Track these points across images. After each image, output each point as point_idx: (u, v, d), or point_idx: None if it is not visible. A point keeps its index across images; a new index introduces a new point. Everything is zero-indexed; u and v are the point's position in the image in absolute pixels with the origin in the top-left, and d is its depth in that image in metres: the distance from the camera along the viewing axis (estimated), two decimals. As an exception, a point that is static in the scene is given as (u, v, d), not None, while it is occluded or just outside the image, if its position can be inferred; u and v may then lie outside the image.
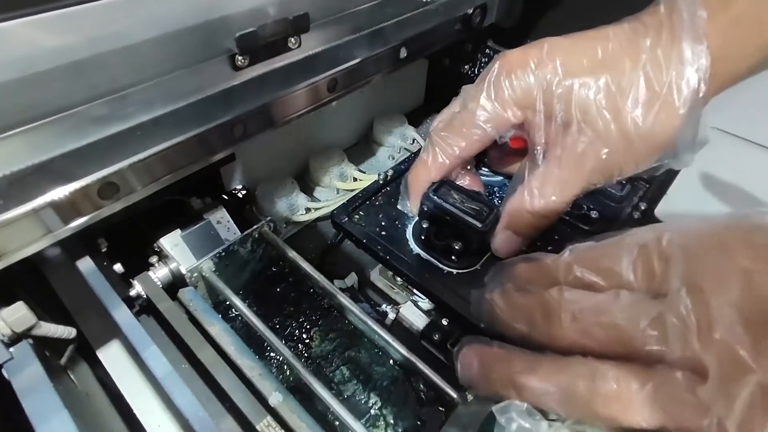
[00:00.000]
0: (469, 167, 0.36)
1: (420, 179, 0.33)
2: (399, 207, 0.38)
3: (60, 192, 0.27)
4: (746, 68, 0.28)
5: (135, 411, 0.32)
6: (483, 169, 0.42)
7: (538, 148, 0.30)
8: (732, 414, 0.16)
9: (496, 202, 0.40)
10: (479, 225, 0.32)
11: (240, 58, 0.31)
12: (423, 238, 0.37)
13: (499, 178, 0.44)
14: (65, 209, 0.28)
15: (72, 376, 0.36)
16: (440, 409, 0.38)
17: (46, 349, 0.33)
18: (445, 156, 0.32)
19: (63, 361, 0.35)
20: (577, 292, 0.21)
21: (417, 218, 0.39)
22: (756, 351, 0.16)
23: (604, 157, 0.28)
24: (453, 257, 0.35)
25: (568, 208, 0.31)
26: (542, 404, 0.21)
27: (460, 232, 0.34)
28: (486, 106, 0.30)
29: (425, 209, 0.34)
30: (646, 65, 0.27)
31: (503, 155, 0.38)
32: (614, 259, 0.20)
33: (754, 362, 0.16)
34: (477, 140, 0.31)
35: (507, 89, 0.30)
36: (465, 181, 0.35)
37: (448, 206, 0.33)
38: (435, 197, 0.33)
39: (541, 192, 0.30)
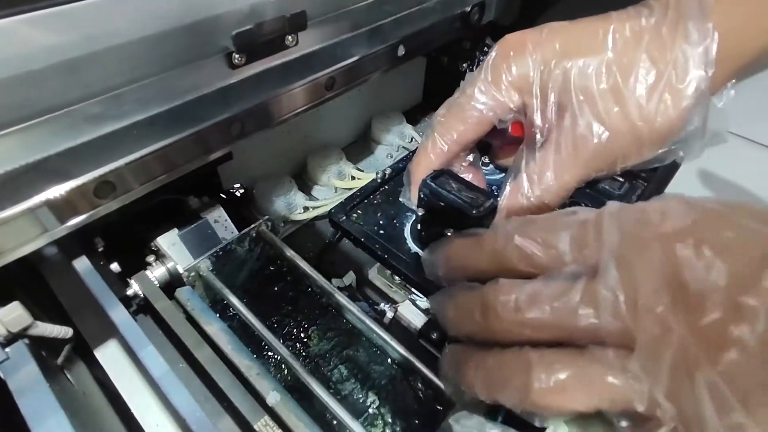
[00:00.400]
0: (471, 159, 0.35)
1: (420, 166, 0.32)
2: (401, 199, 0.37)
3: (56, 191, 0.27)
4: (754, 53, 0.27)
5: (133, 410, 0.32)
6: (488, 166, 0.41)
7: (537, 133, 0.29)
8: (659, 382, 0.17)
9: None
10: (473, 212, 0.31)
11: (237, 56, 0.31)
12: (421, 236, 0.37)
13: (503, 175, 0.43)
14: (61, 208, 0.28)
15: (69, 376, 0.35)
16: (438, 407, 0.38)
17: (43, 349, 0.33)
18: (444, 141, 0.31)
19: (59, 360, 0.35)
20: (510, 282, 0.21)
21: (415, 215, 0.39)
22: (674, 312, 0.17)
23: (604, 140, 0.27)
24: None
25: (568, 197, 0.30)
26: (492, 401, 0.21)
27: (455, 220, 0.33)
28: (483, 89, 0.29)
29: (422, 196, 0.34)
30: (649, 44, 0.26)
31: (505, 144, 0.37)
32: (554, 233, 0.20)
33: (673, 322, 0.17)
34: (475, 124, 0.30)
35: (504, 72, 0.29)
36: (468, 177, 0.35)
37: (443, 192, 0.32)
38: (432, 184, 0.33)
39: (540, 178, 0.29)
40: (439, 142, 0.32)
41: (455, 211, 0.32)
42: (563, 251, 0.20)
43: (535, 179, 0.29)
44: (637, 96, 0.26)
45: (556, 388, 0.19)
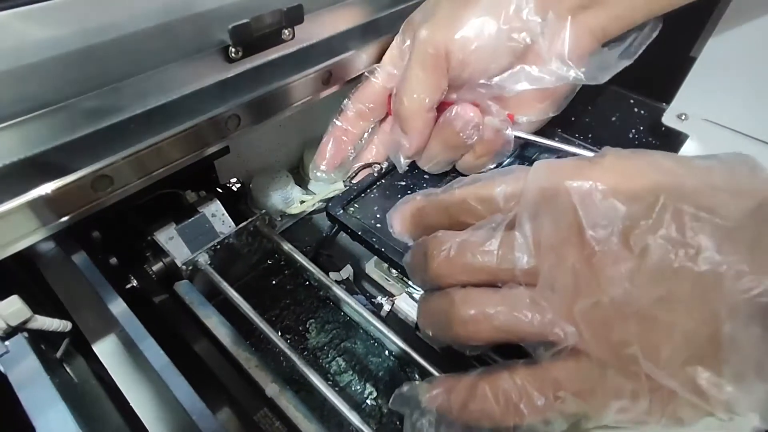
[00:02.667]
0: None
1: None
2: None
3: (53, 185, 0.27)
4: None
5: (131, 403, 0.33)
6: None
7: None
8: (558, 307, 0.20)
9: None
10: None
11: (233, 49, 0.31)
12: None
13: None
14: (58, 203, 0.28)
15: (68, 369, 0.36)
16: (435, 398, 0.39)
17: (42, 343, 0.33)
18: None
19: (59, 354, 0.35)
20: (445, 233, 0.23)
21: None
22: (569, 247, 0.20)
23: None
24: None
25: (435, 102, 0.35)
26: (435, 339, 0.24)
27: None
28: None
29: None
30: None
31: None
32: (491, 188, 0.23)
33: (568, 255, 0.20)
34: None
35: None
36: (467, 109, 0.36)
37: None
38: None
39: (404, 93, 0.35)
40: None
41: None
42: (497, 204, 0.22)
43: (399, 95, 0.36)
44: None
45: (471, 321, 0.22)
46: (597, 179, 0.20)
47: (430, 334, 0.24)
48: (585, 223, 0.19)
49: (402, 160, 0.39)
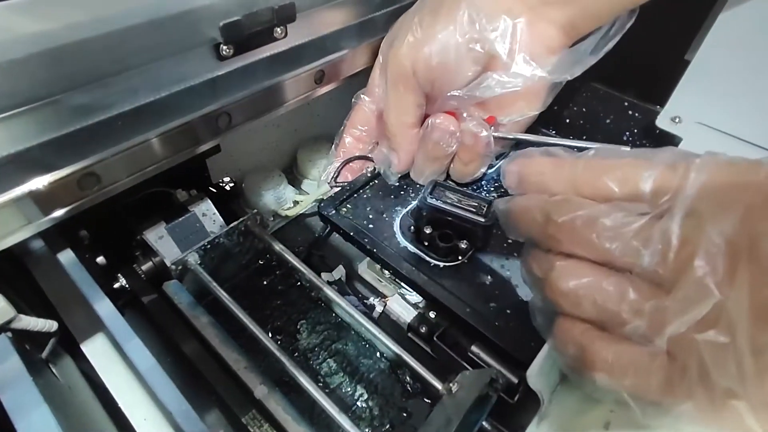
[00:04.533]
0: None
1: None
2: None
3: (39, 182, 0.27)
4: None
5: (120, 404, 0.32)
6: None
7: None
8: (666, 328, 0.18)
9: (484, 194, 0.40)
10: (483, 221, 0.33)
11: (224, 47, 0.31)
12: (411, 231, 0.37)
13: (491, 170, 0.44)
14: (45, 200, 0.27)
15: (54, 370, 0.35)
16: (426, 400, 0.39)
17: (27, 343, 0.32)
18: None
19: (44, 354, 0.34)
20: (579, 200, 0.22)
21: (404, 211, 0.39)
22: (725, 280, 0.17)
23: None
24: (440, 250, 0.35)
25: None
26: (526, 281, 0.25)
27: (464, 230, 0.34)
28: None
29: (424, 213, 0.35)
30: None
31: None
32: (638, 172, 0.20)
33: (718, 289, 0.17)
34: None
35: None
36: (440, 119, 0.37)
37: (446, 207, 0.33)
38: (432, 201, 0.34)
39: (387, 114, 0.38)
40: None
41: (463, 222, 0.33)
42: (641, 192, 0.20)
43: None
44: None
45: (562, 293, 0.21)
46: None
47: (526, 281, 0.25)
48: (764, 253, 0.16)
49: (391, 175, 0.41)
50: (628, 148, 0.23)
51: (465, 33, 0.33)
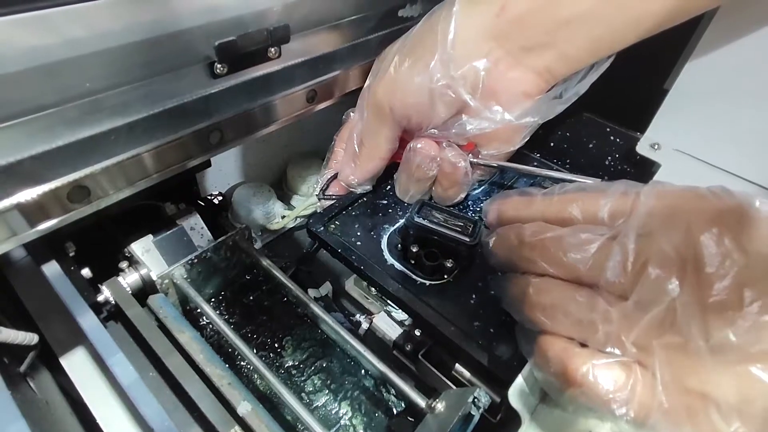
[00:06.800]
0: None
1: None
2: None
3: (28, 194, 0.27)
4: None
5: (98, 420, 0.32)
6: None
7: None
8: (633, 331, 0.20)
9: (470, 215, 0.41)
10: (469, 240, 0.33)
11: (219, 66, 0.31)
12: (398, 249, 0.38)
13: (478, 190, 0.45)
14: (32, 212, 0.27)
15: (32, 384, 0.34)
16: (410, 419, 0.39)
17: (5, 356, 0.32)
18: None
19: (22, 368, 0.34)
20: (546, 225, 0.25)
21: (392, 229, 0.40)
22: (680, 282, 0.19)
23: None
24: (426, 269, 0.36)
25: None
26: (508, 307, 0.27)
27: (450, 250, 0.35)
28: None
29: (411, 232, 0.35)
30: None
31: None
32: (596, 201, 0.24)
33: (674, 291, 0.19)
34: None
35: None
36: (421, 143, 0.38)
37: (433, 227, 0.34)
38: (419, 220, 0.34)
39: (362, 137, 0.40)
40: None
41: (449, 241, 0.34)
42: (600, 218, 0.24)
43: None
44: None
45: (539, 308, 0.24)
46: (720, 222, 0.19)
47: (505, 306, 0.27)
48: (706, 260, 0.19)
49: (344, 183, 0.43)
50: (595, 181, 0.27)
51: (437, 80, 0.35)
